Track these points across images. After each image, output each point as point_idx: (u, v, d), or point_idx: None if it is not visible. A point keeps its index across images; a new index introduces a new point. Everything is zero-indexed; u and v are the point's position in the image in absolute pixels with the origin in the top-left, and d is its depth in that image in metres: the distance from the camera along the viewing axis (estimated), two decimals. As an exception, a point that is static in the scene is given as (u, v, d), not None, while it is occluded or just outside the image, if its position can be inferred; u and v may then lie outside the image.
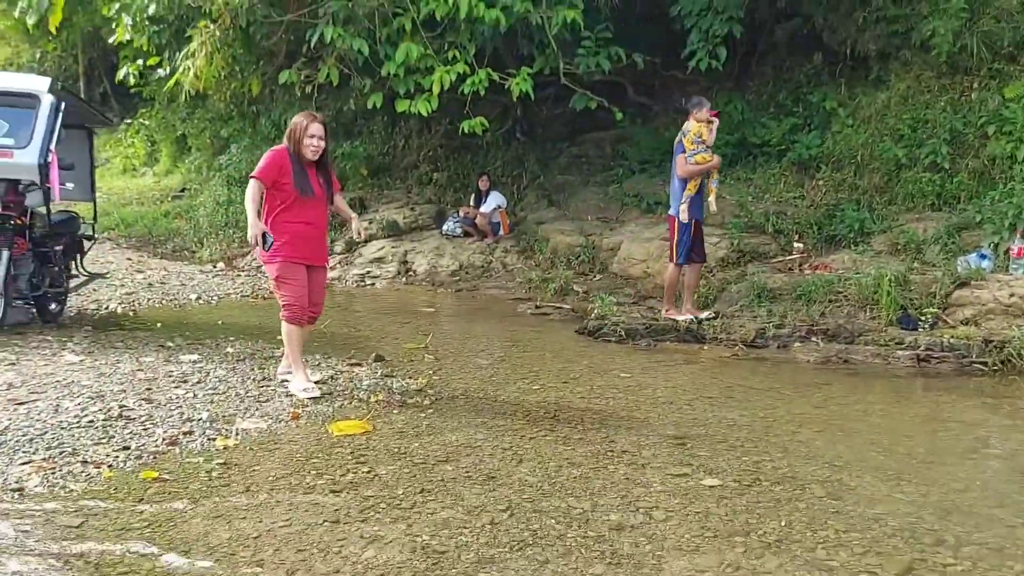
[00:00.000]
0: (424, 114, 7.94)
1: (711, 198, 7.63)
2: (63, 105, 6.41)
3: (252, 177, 4.89)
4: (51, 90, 6.36)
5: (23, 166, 6.10)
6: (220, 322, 7.72)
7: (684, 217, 7.53)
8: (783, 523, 3.36)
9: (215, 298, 9.06)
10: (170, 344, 6.39)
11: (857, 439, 4.60)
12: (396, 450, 4.13)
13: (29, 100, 6.32)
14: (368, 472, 3.79)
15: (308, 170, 5.00)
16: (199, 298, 8.93)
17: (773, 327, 7.27)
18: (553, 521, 3.29)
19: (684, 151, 7.50)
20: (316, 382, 5.22)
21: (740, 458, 4.18)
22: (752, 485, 3.79)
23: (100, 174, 20.65)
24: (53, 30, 9.72)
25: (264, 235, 4.79)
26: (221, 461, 3.86)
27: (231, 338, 6.78)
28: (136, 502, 3.33)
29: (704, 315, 7.67)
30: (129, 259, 11.33)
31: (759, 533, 3.23)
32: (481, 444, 4.26)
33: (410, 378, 5.69)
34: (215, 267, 11.44)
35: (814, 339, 7.08)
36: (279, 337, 6.23)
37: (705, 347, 7.14)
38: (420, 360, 6.33)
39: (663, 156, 11.44)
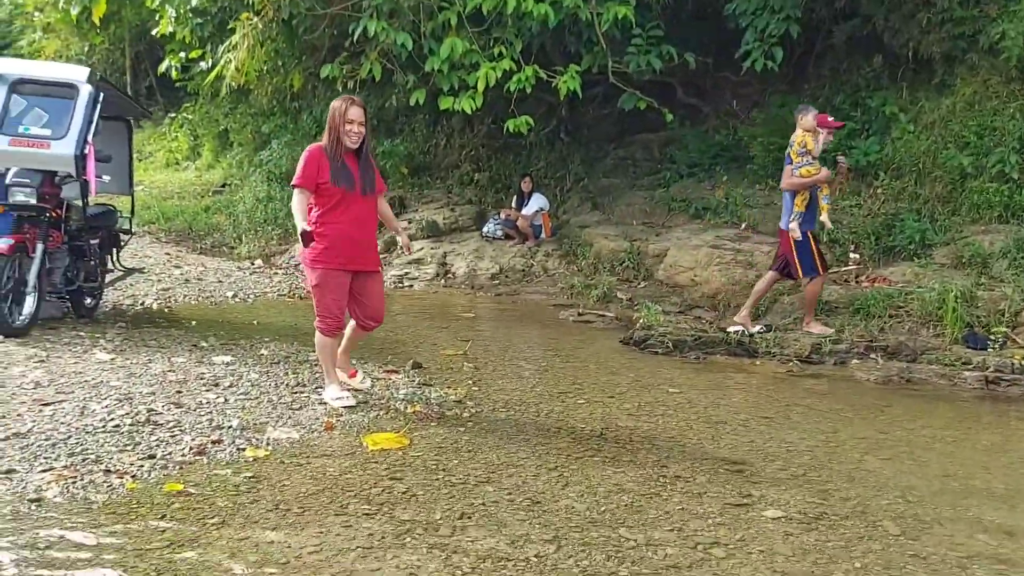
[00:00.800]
0: (468, 112, 7.69)
1: (823, 216, 7.15)
2: (101, 96, 6.27)
3: (294, 186, 4.56)
4: (89, 80, 6.22)
5: (59, 157, 5.97)
6: (256, 322, 7.56)
7: (796, 234, 7.10)
8: (857, 565, 3.06)
9: (252, 296, 8.91)
10: (203, 344, 6.23)
11: (928, 470, 4.26)
12: (434, 467, 3.88)
13: (68, 90, 6.19)
14: (404, 492, 3.54)
15: (349, 163, 4.61)
16: (235, 296, 8.79)
17: (830, 342, 6.91)
18: (604, 556, 3.01)
19: (791, 162, 7.14)
20: (351, 390, 4.99)
21: (803, 487, 3.87)
22: (819, 519, 3.49)
23: (142, 167, 20.92)
24: (97, 21, 9.60)
25: (309, 234, 4.40)
26: (250, 475, 3.64)
27: (266, 339, 6.59)
28: (158, 519, 3.12)
29: (755, 329, 7.33)
30: (168, 254, 11.25)
31: (833, 579, 2.93)
32: (524, 464, 4.00)
33: (448, 387, 5.45)
34: (253, 264, 11.32)
35: (873, 356, 6.72)
36: (310, 344, 6.04)
37: (757, 362, 6.81)
38: (459, 368, 6.09)
39: (712, 160, 11.09)
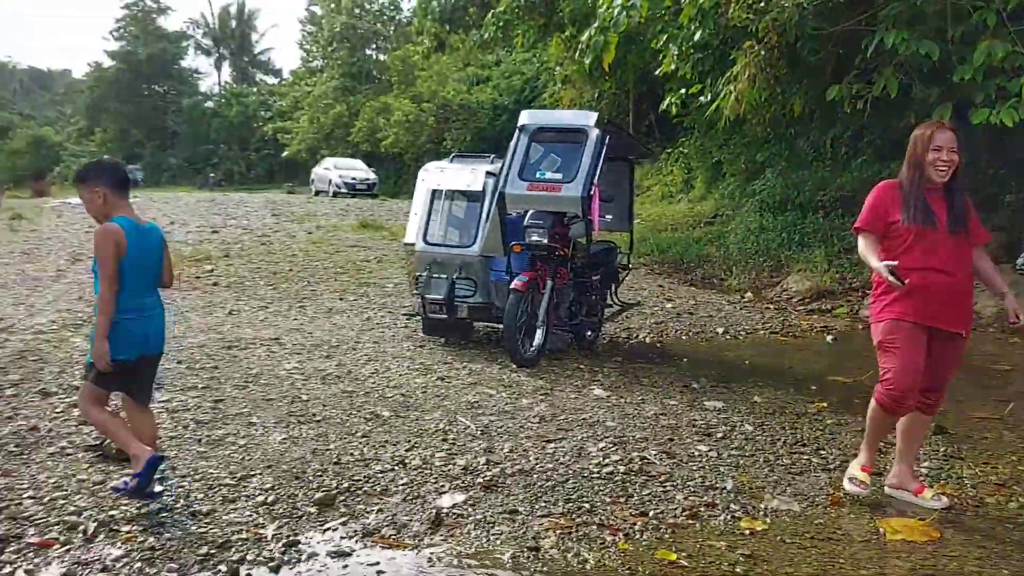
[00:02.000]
0: (1009, 124, 6.37)
1: None
2: (607, 139, 6.50)
3: (856, 229, 3.83)
4: (597, 124, 6.51)
5: (568, 199, 6.32)
6: (747, 362, 7.18)
7: None
8: None
9: (742, 333, 8.57)
10: (695, 385, 6.04)
11: None
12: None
13: (578, 135, 6.54)
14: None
15: (931, 199, 3.70)
16: (725, 332, 8.54)
17: None
18: None
19: None
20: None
21: None
22: None
23: (639, 201, 22.16)
24: (606, 67, 10.14)
25: (894, 270, 3.52)
26: (747, 552, 3.24)
27: (758, 383, 6.18)
28: (648, 593, 2.89)
29: None
30: (660, 286, 11.52)
31: None
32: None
33: (985, 463, 4.42)
34: (742, 297, 11.01)
35: None
36: (813, 388, 5.50)
37: None
38: (996, 437, 4.95)
39: None
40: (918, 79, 7.14)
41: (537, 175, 6.55)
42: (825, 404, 5.60)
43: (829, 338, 8.37)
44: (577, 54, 10.24)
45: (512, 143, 6.68)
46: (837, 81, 7.77)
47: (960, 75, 6.61)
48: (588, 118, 6.62)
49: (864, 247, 3.76)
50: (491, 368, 6.22)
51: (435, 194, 7.15)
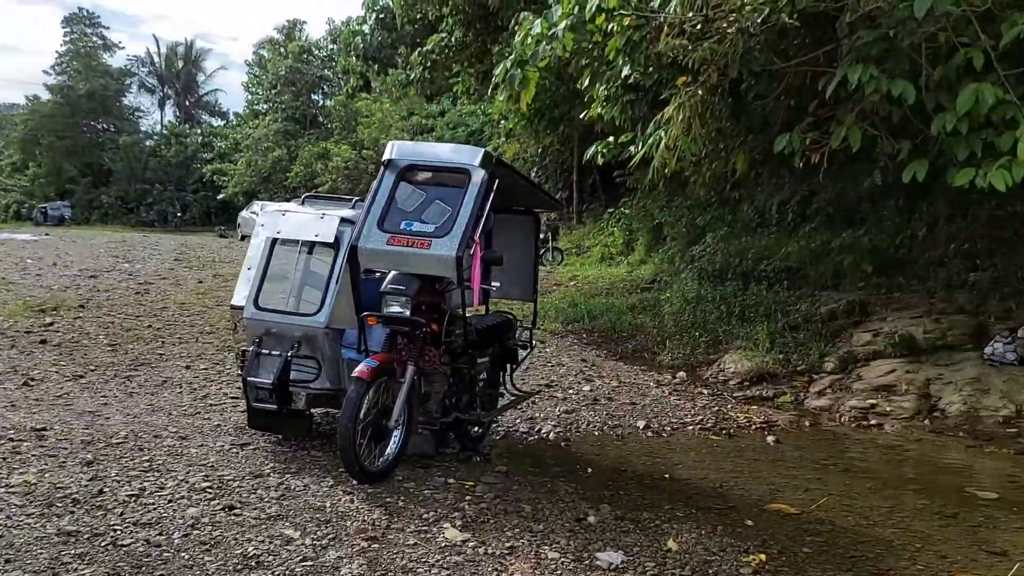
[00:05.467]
0: (1001, 188, 5.04)
1: None
2: (495, 184, 4.99)
3: None
4: (483, 164, 4.99)
5: (437, 259, 4.75)
6: (667, 475, 5.63)
7: None
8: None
9: (667, 428, 7.04)
10: (591, 519, 4.43)
11: None
12: None
13: (459, 176, 5.03)
14: None
15: None
16: (647, 427, 7.00)
17: None
18: None
19: None
20: None
21: None
22: None
23: (579, 263, 20.89)
24: (524, 108, 8.76)
25: None
26: None
27: (677, 514, 4.63)
28: None
29: None
30: (584, 360, 9.99)
31: None
32: None
33: None
34: (674, 377, 9.54)
35: None
36: (749, 523, 4.02)
37: None
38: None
39: None
40: (886, 130, 5.80)
41: (403, 225, 4.98)
42: (764, 557, 4.06)
43: (770, 439, 6.90)
44: (490, 91, 8.79)
45: (375, 183, 5.15)
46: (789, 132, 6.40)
47: (940, 125, 5.26)
48: (472, 155, 5.09)
49: None
50: (318, 486, 4.55)
51: (275, 244, 5.54)
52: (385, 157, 5.21)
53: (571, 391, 8.05)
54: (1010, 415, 7.71)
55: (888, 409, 8.20)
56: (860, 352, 9.47)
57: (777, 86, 6.68)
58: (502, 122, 24.74)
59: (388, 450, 4.83)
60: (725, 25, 5.41)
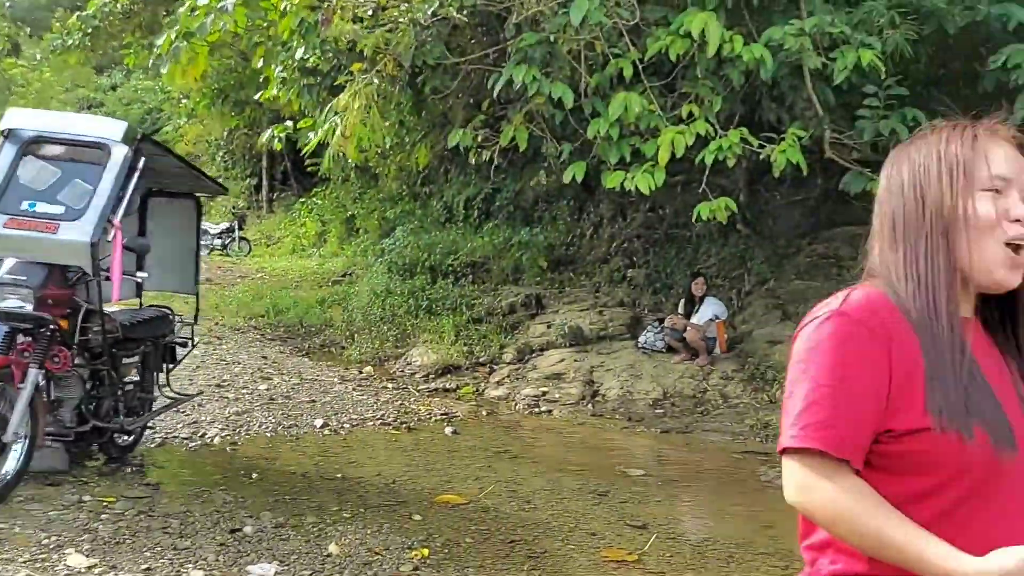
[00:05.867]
0: (645, 191, 5.51)
1: None
2: (141, 163, 4.46)
3: (787, 450, 1.17)
4: (126, 140, 4.43)
5: (67, 245, 4.14)
6: (340, 475, 5.44)
7: None
8: None
9: (346, 425, 6.86)
10: (247, 528, 4.10)
11: None
12: None
13: (96, 152, 4.42)
14: None
15: (982, 353, 1.24)
16: (325, 425, 6.76)
17: None
18: None
19: None
20: None
21: None
22: None
23: (267, 253, 20.02)
24: (193, 81, 8.09)
25: None
26: None
27: (343, 515, 4.46)
28: None
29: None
30: (264, 357, 9.50)
31: None
32: None
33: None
34: (361, 371, 9.40)
35: None
36: (417, 518, 3.95)
37: None
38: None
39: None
40: (550, 132, 6.11)
41: (24, 206, 4.29)
42: (427, 552, 4.02)
43: (448, 430, 7.00)
44: (151, 62, 8.00)
45: (-9, 157, 4.36)
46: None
47: (595, 130, 5.63)
48: (113, 129, 4.51)
49: (850, 506, 1.14)
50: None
51: None
52: (4, 126, 4.45)
53: (245, 391, 7.56)
54: (658, 397, 8.55)
55: (557, 396, 8.71)
56: (535, 343, 10.00)
57: (454, 81, 6.79)
58: (183, 101, 22.93)
59: (4, 468, 4.11)
60: (397, 14, 5.35)
